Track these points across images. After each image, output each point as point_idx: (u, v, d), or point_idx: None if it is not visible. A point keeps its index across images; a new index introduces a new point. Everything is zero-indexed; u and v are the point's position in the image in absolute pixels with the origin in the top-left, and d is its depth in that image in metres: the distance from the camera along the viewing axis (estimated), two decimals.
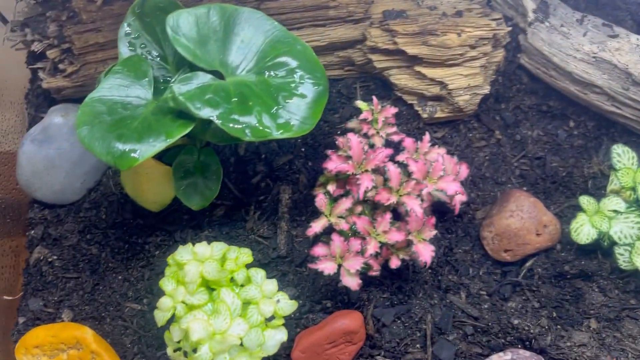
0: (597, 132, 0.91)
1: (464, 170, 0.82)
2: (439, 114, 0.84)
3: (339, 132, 0.87)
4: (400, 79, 0.83)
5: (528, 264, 0.84)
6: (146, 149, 0.63)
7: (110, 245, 0.87)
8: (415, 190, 0.74)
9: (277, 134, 0.66)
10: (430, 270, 0.84)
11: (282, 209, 0.86)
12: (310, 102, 0.68)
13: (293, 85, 0.68)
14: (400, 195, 0.74)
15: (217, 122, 0.64)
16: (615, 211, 0.80)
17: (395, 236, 0.74)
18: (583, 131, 0.92)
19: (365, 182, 0.73)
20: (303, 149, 0.89)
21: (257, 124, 0.65)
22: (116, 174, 0.90)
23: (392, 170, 0.74)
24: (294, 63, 0.69)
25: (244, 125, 0.65)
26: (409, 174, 0.75)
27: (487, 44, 0.79)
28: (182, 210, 0.86)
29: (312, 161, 0.88)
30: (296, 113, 0.67)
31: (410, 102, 0.86)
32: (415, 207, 0.73)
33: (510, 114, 0.91)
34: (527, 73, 0.89)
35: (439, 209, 0.86)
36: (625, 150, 0.82)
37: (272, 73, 0.69)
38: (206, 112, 0.63)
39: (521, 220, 0.83)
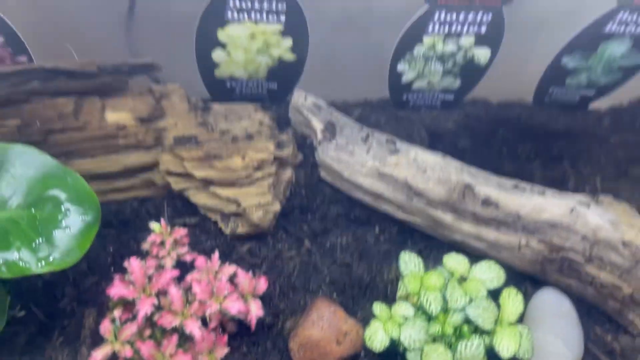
0: (400, 238, 0.97)
1: (262, 284, 0.84)
2: (240, 229, 0.88)
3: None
4: (199, 198, 0.86)
5: None
6: None
7: None
8: (199, 312, 0.76)
9: (38, 268, 0.67)
10: None
11: (85, 332, 0.84)
12: (75, 234, 0.70)
13: (60, 217, 0.70)
14: (185, 318, 0.75)
15: None
16: (405, 317, 0.84)
17: (184, 359, 0.75)
18: (388, 237, 0.97)
19: (144, 307, 0.73)
20: (112, 268, 0.90)
21: (16, 259, 0.66)
22: None
23: (174, 293, 0.75)
24: (62, 196, 0.71)
25: (1, 261, 0.65)
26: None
27: (271, 166, 0.84)
28: None
29: None
30: (59, 246, 0.68)
31: (214, 219, 0.89)
32: (194, 329, 0.74)
33: (318, 224, 0.96)
34: (328, 185, 0.95)
35: (247, 326, 0.87)
36: (411, 256, 0.87)
37: (39, 207, 0.70)
38: None
39: (322, 330, 0.85)
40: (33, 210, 0.70)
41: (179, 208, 0.92)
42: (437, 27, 0.87)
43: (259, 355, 0.87)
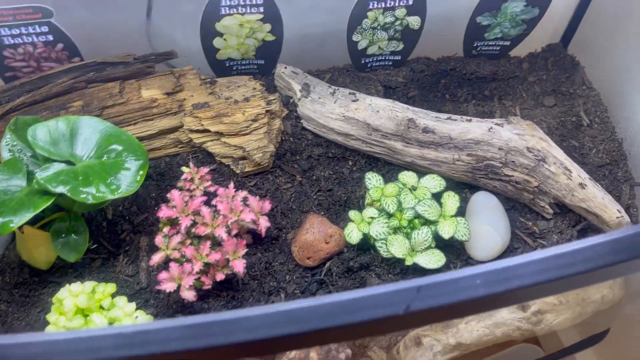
0: (368, 167, 1.27)
1: (267, 205, 1.15)
2: (247, 169, 1.19)
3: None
4: (215, 148, 1.17)
5: (326, 265, 1.17)
6: (19, 219, 0.94)
7: (15, 301, 1.15)
8: (223, 223, 1.07)
9: (112, 196, 0.98)
10: (255, 281, 1.15)
11: (142, 253, 1.16)
12: (133, 172, 1.01)
13: (120, 162, 1.01)
14: (214, 228, 1.06)
15: (68, 194, 0.95)
16: (372, 217, 1.15)
17: (214, 257, 1.06)
18: (359, 167, 1.28)
19: (185, 222, 1.05)
20: (155, 208, 1.21)
21: (96, 192, 0.97)
22: (15, 246, 1.19)
23: (204, 211, 1.06)
24: (120, 148, 1.02)
25: (87, 194, 0.96)
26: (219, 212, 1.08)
27: (264, 117, 1.15)
28: (67, 265, 1.15)
29: None
30: (124, 181, 1.00)
31: (227, 163, 1.20)
32: (222, 234, 1.05)
33: (305, 162, 1.27)
34: (310, 132, 1.26)
35: (259, 237, 1.18)
36: (373, 175, 1.18)
37: (106, 157, 1.02)
38: (60, 189, 0.95)
39: (313, 235, 1.16)
40: (103, 158, 1.02)
41: (201, 159, 1.23)
42: (375, 3, 1.18)
43: (270, 257, 1.18)
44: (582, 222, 1.19)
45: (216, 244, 1.08)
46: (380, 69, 1.36)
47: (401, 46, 1.30)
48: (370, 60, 1.33)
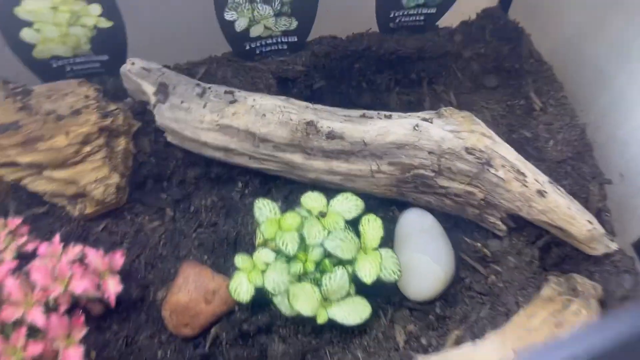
0: (264, 188, 0.96)
1: (118, 259, 0.82)
2: (88, 210, 0.85)
3: None
4: (37, 185, 0.83)
5: (212, 332, 0.85)
6: None
7: None
8: (43, 298, 0.73)
9: None
10: None
11: None
12: None
13: None
14: (28, 308, 0.73)
15: None
16: (266, 263, 0.83)
17: (35, 349, 0.72)
18: (252, 189, 0.96)
19: None
20: None
21: None
22: None
23: (10, 284, 0.72)
24: None
25: None
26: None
27: (98, 138, 0.81)
28: None
29: None
30: None
31: (61, 204, 0.86)
32: (36, 317, 0.71)
33: (178, 189, 0.94)
34: (179, 148, 0.93)
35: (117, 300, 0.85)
36: (265, 203, 0.86)
37: None
38: None
39: (188, 293, 0.84)
40: None
41: (25, 199, 0.88)
42: None
43: (132, 331, 0.85)
44: (545, 236, 0.91)
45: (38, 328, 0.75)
46: (272, 55, 1.04)
47: (295, 23, 0.98)
48: (257, 44, 1.01)
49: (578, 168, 0.96)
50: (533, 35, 1.13)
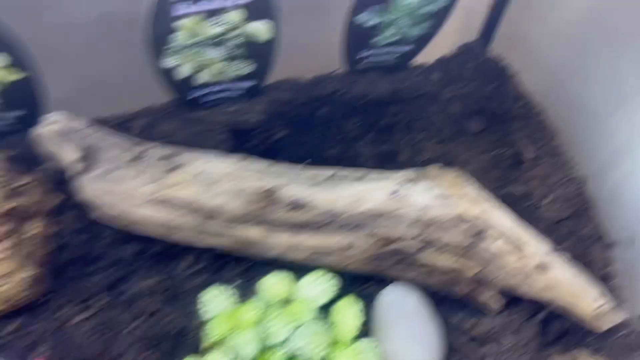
0: (216, 266, 0.80)
1: None
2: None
3: None
4: None
5: None
6: None
7: None
8: None
9: None
10: None
11: None
12: None
13: None
14: None
15: None
16: None
17: None
18: (202, 267, 0.80)
19: None
20: None
21: None
22: None
23: None
24: None
25: None
26: None
27: (5, 223, 0.65)
28: None
29: None
30: None
31: None
32: None
33: (110, 272, 0.77)
34: (107, 225, 0.76)
35: None
36: (216, 292, 0.71)
37: None
38: None
39: None
40: None
41: None
42: (187, 6, 0.70)
43: None
44: (545, 309, 0.79)
45: None
46: (224, 103, 0.89)
47: (251, 66, 0.84)
48: (206, 92, 0.86)
49: (578, 229, 0.84)
50: (519, 73, 1.01)
